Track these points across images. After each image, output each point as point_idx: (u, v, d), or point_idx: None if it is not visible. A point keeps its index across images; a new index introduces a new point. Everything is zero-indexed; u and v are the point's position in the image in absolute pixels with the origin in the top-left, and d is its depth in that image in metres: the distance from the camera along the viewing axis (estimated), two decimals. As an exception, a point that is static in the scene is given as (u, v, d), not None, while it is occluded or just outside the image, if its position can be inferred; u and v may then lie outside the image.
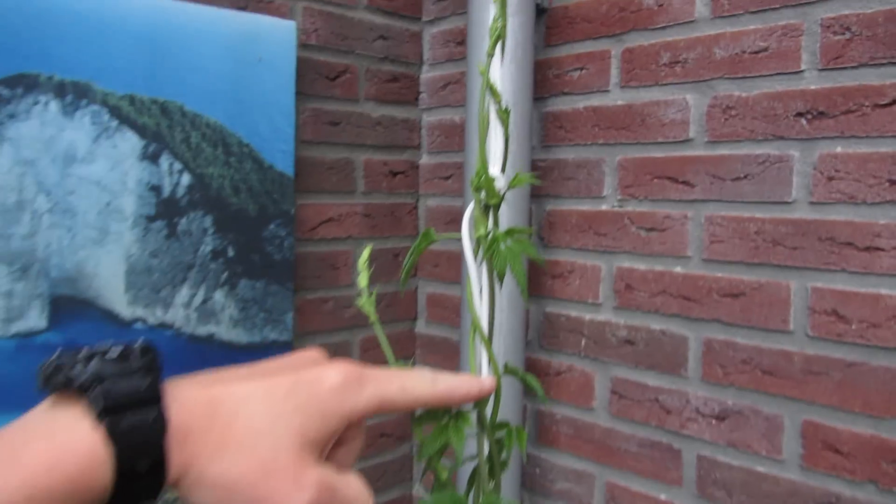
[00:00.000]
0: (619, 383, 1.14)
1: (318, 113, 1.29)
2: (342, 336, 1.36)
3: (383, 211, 1.40)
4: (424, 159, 1.44)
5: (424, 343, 1.45)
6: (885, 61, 0.88)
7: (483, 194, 0.60)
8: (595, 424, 1.17)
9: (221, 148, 1.14)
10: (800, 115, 0.95)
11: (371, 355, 1.40)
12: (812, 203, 0.94)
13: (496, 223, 0.61)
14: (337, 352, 1.34)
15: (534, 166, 1.24)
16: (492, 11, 0.59)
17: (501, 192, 0.60)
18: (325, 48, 1.30)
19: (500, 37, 0.59)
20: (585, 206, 1.18)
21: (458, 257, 1.37)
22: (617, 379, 1.15)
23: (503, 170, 0.61)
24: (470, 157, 1.18)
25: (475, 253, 0.63)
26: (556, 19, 1.21)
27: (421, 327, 1.46)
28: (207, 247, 1.14)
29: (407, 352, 1.46)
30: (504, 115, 0.59)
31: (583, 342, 1.19)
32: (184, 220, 1.11)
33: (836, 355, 0.93)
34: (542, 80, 1.22)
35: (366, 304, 0.63)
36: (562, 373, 1.22)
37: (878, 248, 0.89)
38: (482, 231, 0.61)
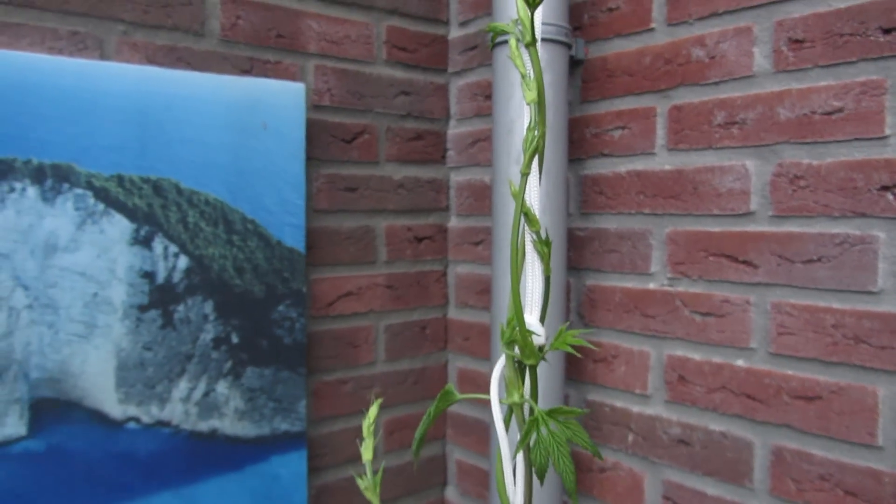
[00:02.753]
0: (673, 488, 0.99)
1: (334, 179, 1.18)
2: (358, 420, 1.23)
3: (408, 281, 1.28)
4: (453, 222, 1.32)
5: (456, 423, 1.32)
6: None
7: (517, 350, 0.48)
8: (646, 534, 1.02)
9: (223, 226, 1.03)
10: (885, 188, 0.80)
11: (396, 438, 1.27)
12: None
13: (534, 388, 0.48)
14: (358, 435, 1.22)
15: (571, 235, 1.10)
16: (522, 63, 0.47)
17: (541, 349, 0.48)
18: (341, 108, 1.19)
19: (536, 150, 0.47)
20: (631, 283, 1.04)
21: (489, 332, 1.24)
22: (670, 483, 0.99)
23: (543, 318, 0.48)
24: (499, 259, 1.05)
25: (506, 422, 0.50)
26: (594, 72, 1.08)
27: (452, 406, 1.32)
28: (208, 335, 1.03)
29: (437, 432, 1.33)
30: (544, 249, 0.47)
31: (630, 437, 1.04)
32: (181, 308, 1.01)
33: (939, 480, 0.76)
34: (579, 139, 1.09)
35: (368, 490, 0.50)
36: (606, 470, 1.07)
37: None
38: (515, 397, 0.48)
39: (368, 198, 1.23)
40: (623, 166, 1.04)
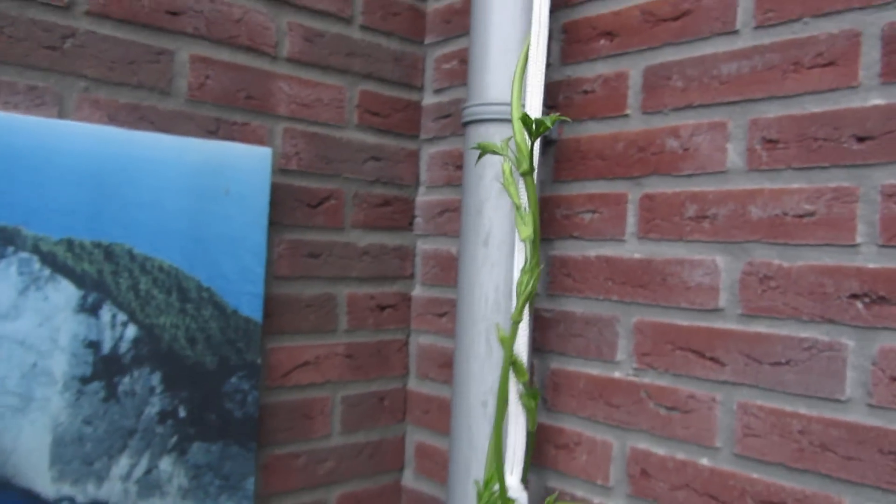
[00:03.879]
0: (633, 588, 0.96)
1: (297, 245, 1.15)
2: (317, 495, 1.18)
3: (368, 350, 1.24)
4: (418, 291, 1.29)
5: (411, 499, 1.27)
6: (963, 245, 0.72)
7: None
8: None
9: (176, 294, 0.99)
10: (855, 296, 0.79)
11: (348, 515, 1.22)
12: (871, 406, 0.77)
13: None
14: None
15: (537, 315, 1.08)
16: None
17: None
18: (308, 173, 1.16)
19: (529, 296, 0.44)
20: (596, 370, 1.02)
21: (448, 406, 1.21)
22: (630, 582, 0.96)
23: (524, 478, 0.45)
24: (465, 309, 1.02)
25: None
26: (567, 153, 1.06)
27: (408, 480, 1.28)
28: (154, 408, 0.98)
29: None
30: (531, 402, 0.44)
31: (590, 531, 1.01)
32: (126, 380, 0.96)
33: None
34: (549, 219, 1.07)
35: None
36: (565, 563, 1.03)
37: (957, 475, 0.72)
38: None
39: (332, 265, 1.19)
40: (592, 250, 1.03)
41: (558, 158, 1.08)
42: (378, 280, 1.25)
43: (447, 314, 1.23)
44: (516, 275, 0.42)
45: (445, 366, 1.23)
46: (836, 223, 0.80)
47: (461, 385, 1.01)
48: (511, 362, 0.43)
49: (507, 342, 0.42)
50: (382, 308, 1.26)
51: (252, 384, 1.06)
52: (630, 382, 0.98)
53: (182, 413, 1.00)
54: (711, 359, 0.90)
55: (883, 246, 0.77)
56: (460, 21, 1.23)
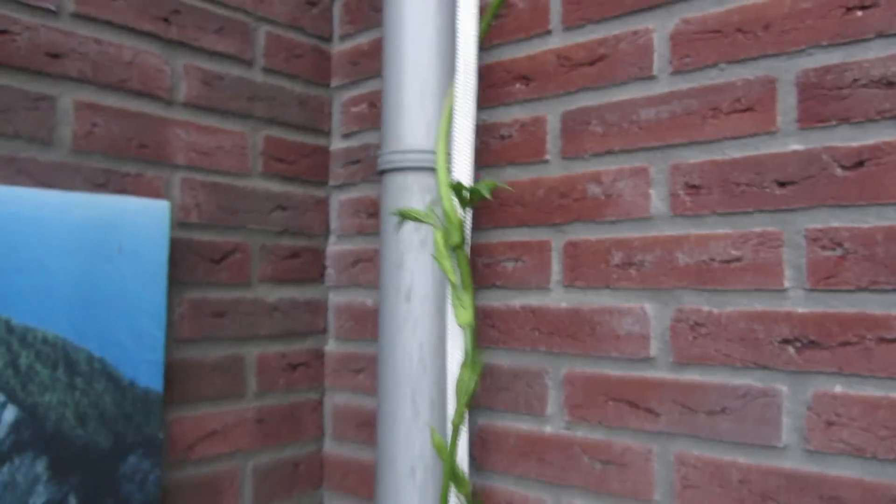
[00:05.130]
0: None
1: (199, 304, 1.06)
2: (226, 577, 1.08)
3: (280, 413, 1.16)
4: (331, 346, 1.22)
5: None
6: (887, 287, 0.72)
7: None
8: None
9: (63, 368, 0.88)
10: (786, 342, 0.78)
11: None
12: (808, 451, 0.76)
13: None
14: None
15: (461, 370, 1.03)
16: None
17: None
18: (210, 226, 1.08)
19: (470, 396, 0.39)
20: (526, 426, 0.97)
21: (370, 469, 1.14)
22: None
23: None
24: (387, 357, 0.96)
25: None
26: (486, 200, 1.03)
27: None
28: (40, 499, 0.86)
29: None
30: None
31: None
32: (5, 469, 0.84)
33: None
34: (471, 267, 1.03)
35: None
36: None
37: (897, 519, 0.71)
38: None
39: (238, 323, 1.11)
40: (517, 300, 0.99)
41: (478, 206, 1.04)
42: (289, 337, 1.18)
43: (365, 370, 1.17)
44: (451, 329, 0.37)
45: (365, 425, 1.16)
46: (763, 268, 0.80)
47: (386, 452, 0.94)
48: (451, 474, 0.38)
49: (447, 453, 0.37)
50: (294, 367, 1.18)
51: (153, 462, 0.96)
52: (562, 437, 0.94)
53: (73, 502, 0.89)
54: (646, 409, 0.87)
55: (811, 290, 0.77)
56: (369, 63, 1.19)
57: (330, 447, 1.20)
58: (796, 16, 0.78)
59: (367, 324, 1.17)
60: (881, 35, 0.73)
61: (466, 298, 0.40)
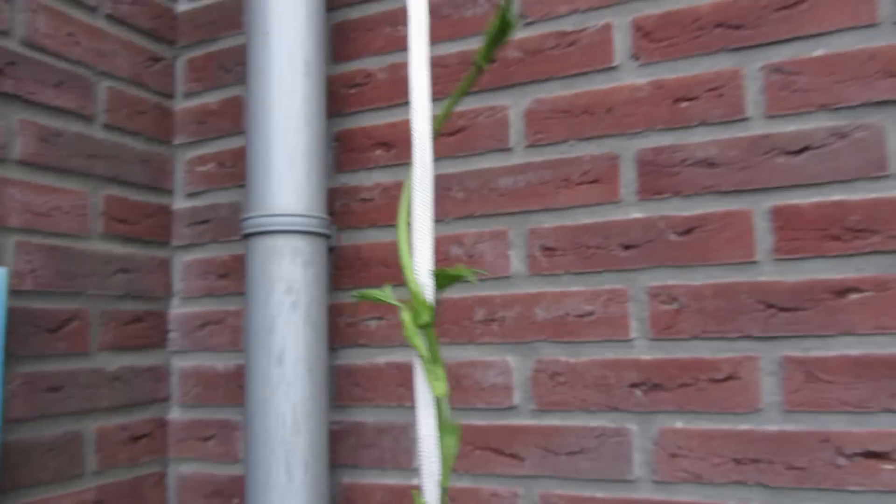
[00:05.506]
0: None
1: (34, 379, 0.98)
2: None
3: (122, 491, 1.08)
4: (176, 414, 1.16)
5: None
6: (716, 335, 0.85)
7: None
8: None
9: None
10: (634, 385, 0.89)
11: None
12: (655, 482, 0.87)
13: None
14: None
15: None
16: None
17: None
18: (47, 293, 1.00)
19: (454, 459, 0.42)
20: (393, 480, 1.00)
21: (225, 542, 1.09)
22: None
23: None
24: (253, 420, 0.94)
25: None
26: (347, 260, 1.06)
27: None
28: None
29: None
30: None
31: None
32: None
33: None
34: (332, 326, 1.05)
35: None
36: None
37: (733, 534, 0.83)
38: None
39: (76, 397, 1.03)
40: (381, 357, 1.03)
41: (338, 265, 1.07)
42: (130, 407, 1.11)
43: (216, 436, 1.13)
44: (421, 399, 0.40)
45: (217, 494, 1.11)
46: (612, 321, 0.90)
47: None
48: None
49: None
50: (136, 438, 1.12)
51: (-12, 557, 0.86)
52: (431, 488, 0.98)
53: None
54: (510, 455, 0.94)
55: (653, 339, 0.88)
56: (217, 122, 1.18)
57: (176, 521, 1.14)
58: (634, 103, 0.91)
59: (219, 388, 1.14)
60: (703, 123, 0.88)
61: (439, 371, 0.43)
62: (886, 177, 0.80)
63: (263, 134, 0.97)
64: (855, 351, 0.80)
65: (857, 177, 0.81)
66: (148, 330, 1.15)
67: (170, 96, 1.22)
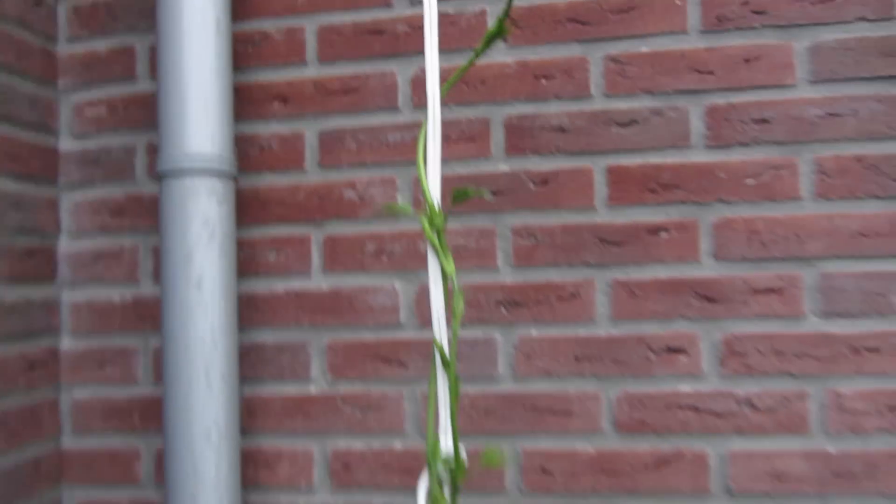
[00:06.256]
0: (344, 568, 1.13)
1: (-54, 305, 1.01)
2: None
3: (22, 415, 1.14)
4: (67, 344, 1.23)
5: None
6: (563, 264, 1.10)
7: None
8: None
9: None
10: (499, 303, 1.12)
11: None
12: (515, 378, 1.11)
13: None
14: None
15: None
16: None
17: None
18: (-47, 223, 1.03)
19: (461, 315, 0.60)
20: (292, 389, 1.16)
21: (121, 455, 1.19)
22: (341, 564, 1.13)
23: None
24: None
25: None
26: (247, 200, 1.19)
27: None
28: None
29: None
30: (455, 396, 0.60)
31: (299, 532, 1.15)
32: None
33: (548, 507, 1.09)
34: (237, 260, 1.18)
35: None
36: (275, 569, 1.15)
37: (570, 413, 1.10)
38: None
39: (-19, 324, 1.08)
40: (280, 285, 1.17)
41: (239, 205, 1.19)
42: (26, 337, 1.16)
43: (111, 363, 1.21)
44: (433, 279, 0.57)
45: (114, 415, 1.21)
46: (482, 253, 1.13)
47: (179, 425, 1.04)
48: (446, 364, 0.60)
49: (452, 362, 0.60)
50: (32, 366, 1.17)
51: (-79, 469, 0.91)
52: (326, 395, 1.15)
53: None
54: (397, 363, 1.14)
55: (515, 267, 1.12)
56: (105, 69, 1.24)
57: (71, 442, 1.22)
58: (503, 77, 1.13)
59: (115, 318, 1.22)
60: (557, 97, 1.11)
61: (449, 257, 0.61)
62: (689, 147, 1.08)
63: (177, 84, 1.07)
64: (663, 275, 1.08)
65: (668, 146, 1.09)
66: (40, 264, 1.20)
67: (53, 39, 1.25)
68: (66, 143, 1.25)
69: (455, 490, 0.61)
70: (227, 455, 1.05)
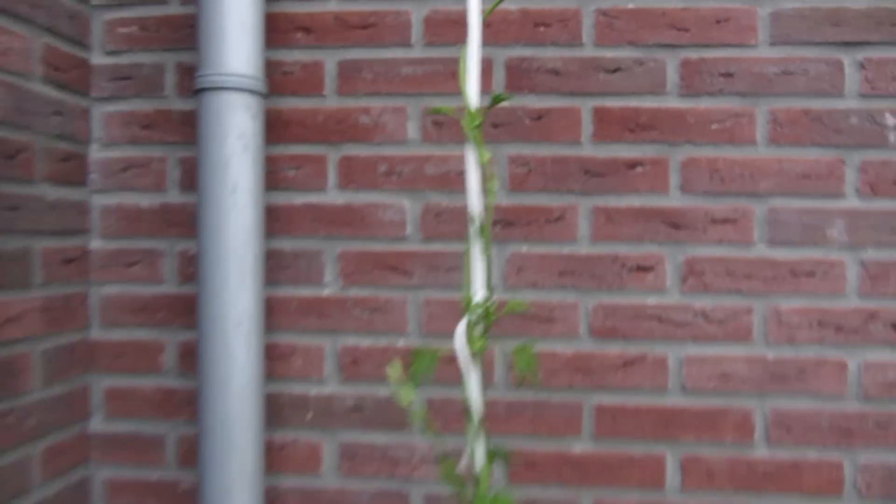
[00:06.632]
0: (349, 447, 1.30)
1: None
2: (21, 452, 1.17)
3: (59, 303, 1.26)
4: (97, 244, 1.34)
5: (104, 442, 1.33)
6: (552, 190, 1.27)
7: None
8: (324, 489, 1.30)
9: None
10: (495, 222, 1.28)
11: (53, 466, 1.23)
12: (506, 287, 1.28)
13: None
14: (21, 468, 1.15)
15: (247, 255, 1.31)
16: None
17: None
18: (4, 122, 1.14)
19: (494, 193, 0.75)
20: (307, 292, 1.31)
21: (146, 346, 1.32)
22: (346, 444, 1.30)
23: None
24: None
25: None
26: (271, 121, 1.31)
27: (98, 425, 1.34)
28: None
29: (78, 456, 1.31)
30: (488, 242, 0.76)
31: (308, 415, 1.30)
32: None
33: (527, 398, 1.27)
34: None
35: None
36: (286, 446, 1.31)
37: (552, 320, 1.27)
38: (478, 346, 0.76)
39: (28, 218, 1.19)
40: (299, 199, 1.31)
41: (267, 124, 1.31)
42: (63, 234, 1.28)
43: (139, 263, 1.33)
44: (470, 166, 0.71)
45: (141, 310, 1.33)
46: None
47: (213, 314, 1.18)
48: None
49: (487, 228, 0.75)
50: (69, 261, 1.29)
51: (-9, 337, 1.03)
52: (337, 298, 1.30)
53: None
54: (402, 272, 1.29)
55: (510, 191, 1.28)
56: (140, -9, 1.34)
57: (100, 334, 1.34)
58: (506, 22, 1.27)
59: (143, 223, 1.34)
60: (553, 44, 1.26)
61: (483, 149, 0.77)
62: (664, 93, 1.25)
63: (218, 8, 1.18)
64: (636, 203, 1.26)
65: (647, 92, 1.25)
66: (74, 169, 1.31)
67: (91, -41, 1.34)
68: (98, 58, 1.34)
69: (486, 331, 0.77)
70: (255, 344, 1.20)
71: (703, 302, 1.25)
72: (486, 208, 0.77)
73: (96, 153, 1.34)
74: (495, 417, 1.28)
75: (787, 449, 1.24)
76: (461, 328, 0.77)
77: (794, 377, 1.24)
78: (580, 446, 1.27)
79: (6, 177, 1.14)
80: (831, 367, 1.23)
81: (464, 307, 0.77)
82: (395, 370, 0.79)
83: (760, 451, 1.24)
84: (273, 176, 1.32)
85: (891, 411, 1.22)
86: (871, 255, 1.23)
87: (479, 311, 0.75)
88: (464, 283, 0.77)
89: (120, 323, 1.34)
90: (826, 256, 1.23)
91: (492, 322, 0.76)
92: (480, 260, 0.76)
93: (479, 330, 0.76)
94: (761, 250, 1.24)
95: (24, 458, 1.18)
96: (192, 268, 1.33)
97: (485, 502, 0.71)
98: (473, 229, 0.77)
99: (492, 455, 0.76)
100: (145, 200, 1.34)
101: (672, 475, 1.25)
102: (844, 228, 1.23)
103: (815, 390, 1.23)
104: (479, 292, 0.77)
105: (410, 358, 0.78)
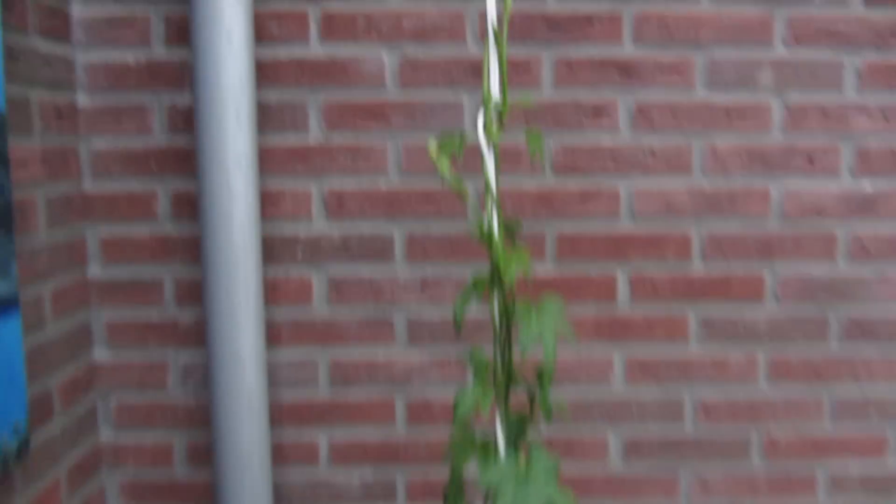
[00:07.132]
0: (337, 282, 1.43)
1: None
2: (34, 290, 1.26)
3: (55, 152, 1.33)
4: (84, 99, 1.40)
5: (103, 288, 1.43)
6: (519, 42, 1.39)
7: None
8: (316, 318, 1.44)
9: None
10: (466, 71, 1.40)
11: (59, 306, 1.32)
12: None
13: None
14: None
15: (235, 106, 1.39)
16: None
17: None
18: (4, -31, 1.17)
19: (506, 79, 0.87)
20: (293, 139, 1.41)
21: (138, 196, 1.41)
22: (334, 278, 1.43)
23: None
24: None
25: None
26: (251, -24, 1.38)
27: (96, 271, 1.43)
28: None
29: (78, 299, 1.41)
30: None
31: (299, 253, 1.43)
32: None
33: (499, 231, 1.43)
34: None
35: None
36: (278, 282, 1.43)
37: (520, 161, 1.42)
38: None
39: (22, 71, 1.24)
40: (282, 51, 1.39)
41: (242, -20, 1.38)
42: (54, 87, 1.33)
43: (127, 116, 1.40)
44: (492, 65, 0.83)
45: (131, 162, 1.41)
46: (453, 31, 1.39)
47: (215, 157, 1.28)
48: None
49: (502, 39, 0.87)
50: (60, 115, 1.35)
51: (3, 176, 1.11)
52: (322, 146, 1.41)
53: (-26, 195, 1.02)
54: (383, 118, 1.41)
55: (481, 42, 1.39)
56: None
57: (92, 186, 1.41)
58: None
59: (130, 76, 1.39)
60: None
61: (502, 43, 0.88)
62: None
63: None
64: (594, 54, 1.40)
65: None
66: (58, 24, 1.35)
67: None
68: (74, -86, 1.36)
69: (501, 127, 0.91)
70: (252, 182, 1.30)
71: (650, 140, 1.42)
72: (501, 20, 0.90)
73: (78, 10, 1.38)
74: (475, 247, 1.43)
75: (719, 264, 1.45)
76: (481, 121, 0.90)
77: (726, 203, 1.43)
78: (543, 269, 1.44)
79: (7, 25, 1.18)
80: (757, 194, 1.43)
81: (483, 103, 0.90)
82: (433, 146, 0.92)
83: (697, 267, 1.45)
84: (256, 31, 1.39)
85: (805, 231, 1.44)
86: (793, 97, 1.42)
87: (497, 108, 0.88)
88: (483, 85, 0.89)
89: (112, 174, 1.41)
90: (756, 99, 1.42)
91: (505, 115, 0.90)
92: (496, 64, 0.89)
93: (495, 124, 0.90)
94: (702, 94, 1.41)
95: (36, 297, 1.26)
96: (180, 120, 1.40)
97: (503, 258, 0.86)
98: (490, 39, 0.89)
99: (503, 227, 0.91)
100: (130, 56, 1.39)
101: (622, 290, 1.45)
102: (772, 74, 1.41)
103: (743, 213, 1.44)
104: (495, 92, 0.91)
105: (442, 141, 0.91)
